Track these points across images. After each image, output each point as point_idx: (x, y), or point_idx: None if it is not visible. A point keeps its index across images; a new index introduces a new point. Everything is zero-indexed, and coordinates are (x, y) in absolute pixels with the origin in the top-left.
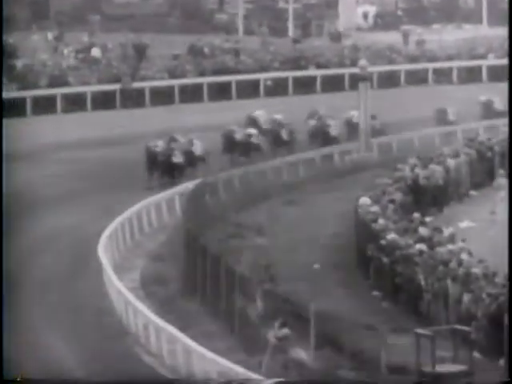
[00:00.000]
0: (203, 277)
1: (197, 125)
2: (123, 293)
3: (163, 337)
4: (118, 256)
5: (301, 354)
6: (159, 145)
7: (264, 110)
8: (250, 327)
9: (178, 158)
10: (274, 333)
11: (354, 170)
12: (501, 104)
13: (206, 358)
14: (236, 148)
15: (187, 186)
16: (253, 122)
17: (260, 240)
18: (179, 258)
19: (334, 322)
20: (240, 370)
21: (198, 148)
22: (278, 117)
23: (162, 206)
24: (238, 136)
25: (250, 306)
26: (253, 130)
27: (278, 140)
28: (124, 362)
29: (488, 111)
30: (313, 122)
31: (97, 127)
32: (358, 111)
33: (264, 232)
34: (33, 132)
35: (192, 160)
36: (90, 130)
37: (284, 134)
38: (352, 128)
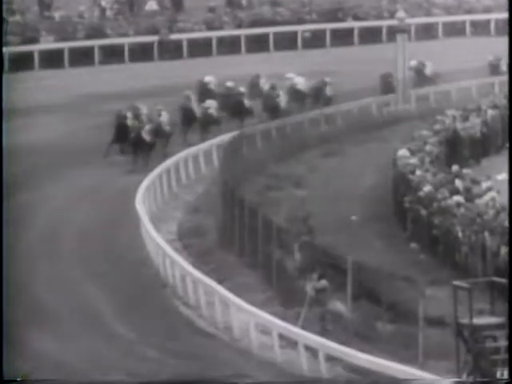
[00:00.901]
0: (241, 229)
1: (234, 76)
2: (161, 245)
3: (201, 289)
4: (156, 208)
5: (338, 305)
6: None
7: (303, 61)
8: (287, 279)
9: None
10: (313, 285)
11: (392, 121)
12: None
13: (244, 310)
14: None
15: (224, 137)
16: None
17: (298, 191)
18: (217, 209)
19: (372, 274)
20: (277, 322)
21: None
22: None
23: (199, 157)
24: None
25: (288, 258)
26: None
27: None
28: (162, 314)
29: None
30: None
31: (134, 79)
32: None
33: (302, 183)
34: (71, 84)
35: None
36: (128, 81)
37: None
38: None
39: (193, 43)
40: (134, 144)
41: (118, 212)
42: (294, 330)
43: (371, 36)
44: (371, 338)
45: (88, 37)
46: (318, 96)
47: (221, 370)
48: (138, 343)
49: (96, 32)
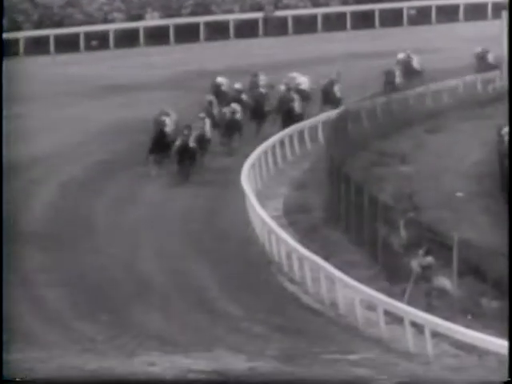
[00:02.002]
0: (346, 205)
1: (339, 53)
2: (266, 221)
3: (306, 265)
4: (261, 184)
5: (444, 282)
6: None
7: (409, 38)
8: (393, 256)
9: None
10: (418, 261)
11: (496, 98)
12: None
13: (349, 286)
14: None
15: (329, 114)
16: None
17: (403, 168)
18: (322, 186)
19: (478, 251)
20: (383, 298)
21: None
22: None
23: (304, 133)
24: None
25: (394, 235)
26: None
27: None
28: (267, 290)
29: None
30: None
31: (239, 55)
32: None
33: (407, 160)
34: (177, 60)
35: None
36: (233, 58)
37: None
38: None
39: (298, 20)
40: (180, 153)
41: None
42: (400, 306)
43: (476, 13)
44: (477, 315)
45: (193, 14)
46: (325, 96)
47: (326, 346)
48: (244, 319)
49: (201, 9)
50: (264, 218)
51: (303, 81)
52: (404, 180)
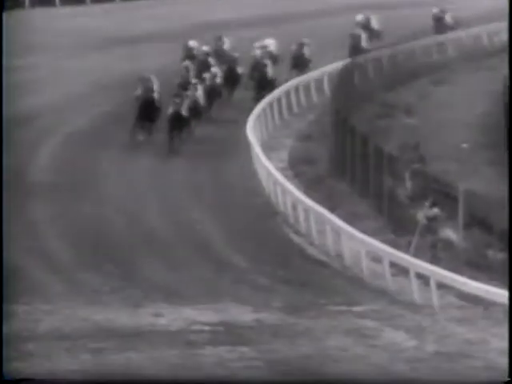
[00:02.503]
0: (352, 157)
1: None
2: (272, 173)
3: (312, 217)
4: (267, 136)
5: (449, 233)
6: None
7: None
8: (398, 207)
9: None
10: (424, 213)
11: (502, 50)
12: None
13: (355, 238)
14: None
15: (336, 65)
16: None
17: (409, 120)
18: (328, 137)
19: (484, 202)
20: (389, 250)
21: None
22: None
23: (310, 85)
24: None
25: (399, 186)
26: None
27: None
28: (273, 242)
29: None
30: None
31: (247, 6)
32: None
33: (413, 111)
34: (184, 12)
35: None
36: (242, 9)
37: None
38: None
39: None
40: (172, 121)
41: None
42: (406, 258)
43: None
44: (482, 266)
45: None
46: (295, 59)
47: (331, 298)
48: (250, 271)
49: None
50: (269, 169)
51: (271, 43)
52: (409, 131)
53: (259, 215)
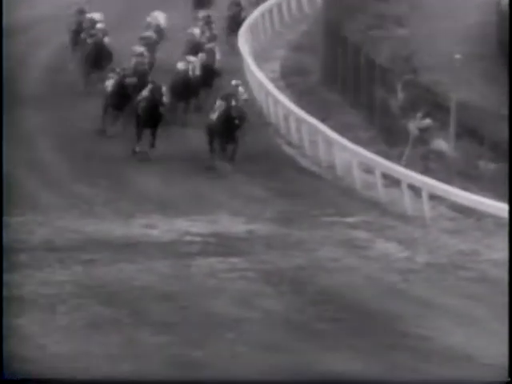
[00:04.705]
0: (343, 68)
1: None
2: (264, 83)
3: (304, 127)
4: (259, 46)
5: (441, 144)
6: None
7: None
8: (390, 118)
9: None
10: (416, 123)
11: None
12: None
13: (347, 149)
14: None
15: None
16: None
17: (401, 30)
18: (320, 48)
19: (476, 113)
20: (381, 161)
21: None
22: None
23: None
24: None
25: (391, 97)
26: None
27: None
28: (265, 154)
29: None
30: None
31: None
32: None
33: (404, 22)
34: None
35: None
36: None
37: None
38: None
39: None
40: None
41: None
42: (397, 169)
43: None
44: (473, 177)
45: None
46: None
47: (324, 209)
48: (243, 183)
49: None
50: (261, 80)
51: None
52: (401, 42)
53: (250, 126)
